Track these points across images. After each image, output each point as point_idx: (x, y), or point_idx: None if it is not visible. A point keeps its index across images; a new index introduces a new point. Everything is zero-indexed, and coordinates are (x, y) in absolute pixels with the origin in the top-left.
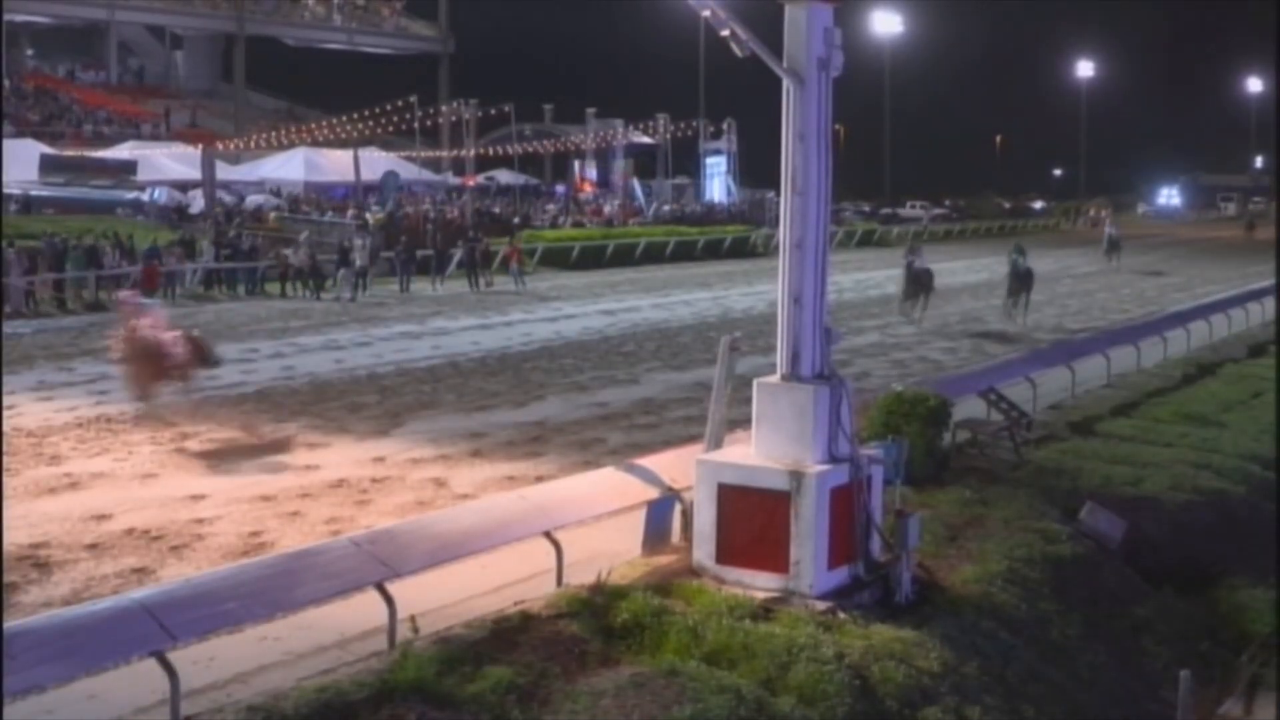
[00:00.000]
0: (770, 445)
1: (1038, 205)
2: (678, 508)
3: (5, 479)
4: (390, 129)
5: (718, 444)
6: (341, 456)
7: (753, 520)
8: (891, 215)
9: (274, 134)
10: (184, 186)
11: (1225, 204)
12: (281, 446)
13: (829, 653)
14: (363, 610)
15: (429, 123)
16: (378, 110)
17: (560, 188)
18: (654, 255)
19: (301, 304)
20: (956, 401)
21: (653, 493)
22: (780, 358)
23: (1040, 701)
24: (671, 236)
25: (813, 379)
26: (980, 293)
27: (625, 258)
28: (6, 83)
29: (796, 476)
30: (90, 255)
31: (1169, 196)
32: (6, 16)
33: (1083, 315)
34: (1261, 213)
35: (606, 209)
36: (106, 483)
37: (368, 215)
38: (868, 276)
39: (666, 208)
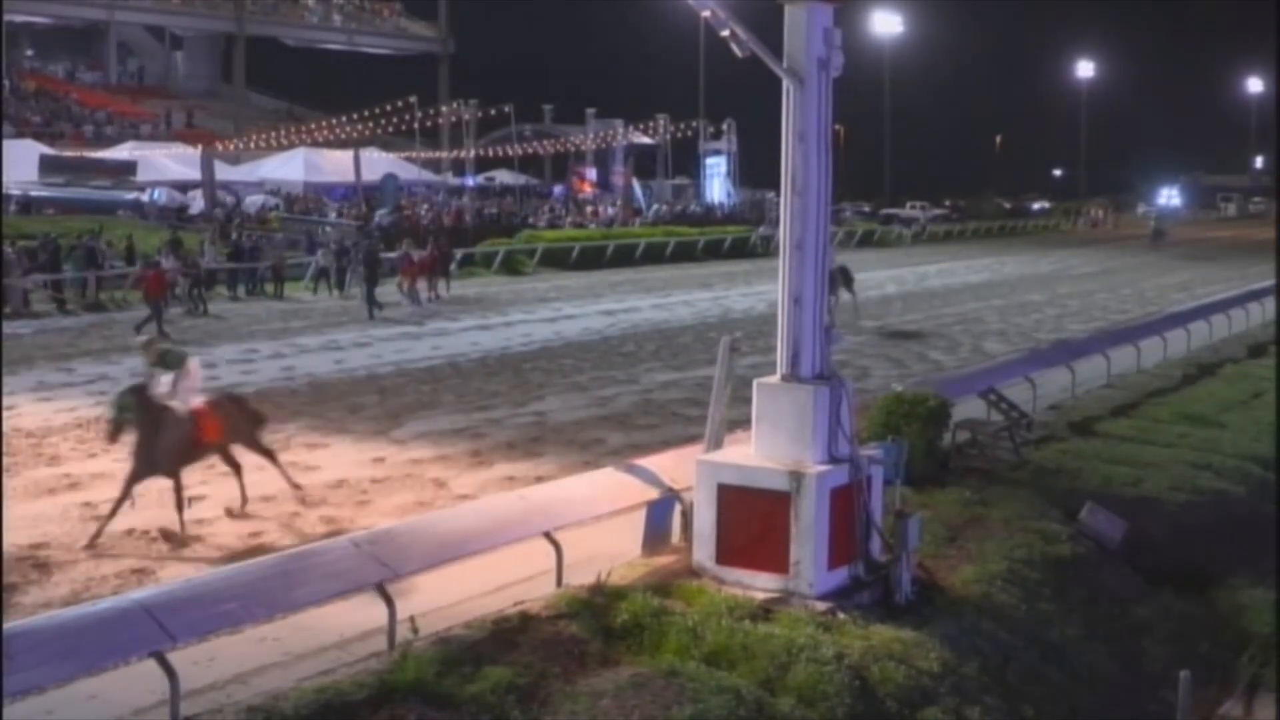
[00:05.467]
0: (770, 445)
1: (1038, 206)
2: (678, 508)
3: (5, 479)
4: (390, 129)
5: (718, 444)
6: (341, 457)
7: (753, 521)
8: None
9: (274, 134)
10: (184, 187)
11: (1225, 204)
12: None
13: (829, 653)
14: (362, 611)
15: (429, 123)
16: (378, 110)
17: (557, 188)
18: (654, 256)
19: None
20: (956, 401)
21: (653, 493)
22: (780, 358)
23: (1040, 701)
24: (671, 237)
25: (813, 379)
26: (981, 292)
27: (625, 258)
28: (6, 83)
29: (796, 477)
30: (90, 256)
31: (1169, 196)
32: (6, 16)
33: None
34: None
35: (609, 210)
36: (106, 483)
37: (379, 216)
38: (868, 277)
39: (664, 208)
